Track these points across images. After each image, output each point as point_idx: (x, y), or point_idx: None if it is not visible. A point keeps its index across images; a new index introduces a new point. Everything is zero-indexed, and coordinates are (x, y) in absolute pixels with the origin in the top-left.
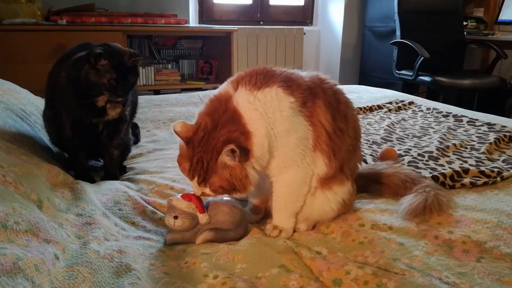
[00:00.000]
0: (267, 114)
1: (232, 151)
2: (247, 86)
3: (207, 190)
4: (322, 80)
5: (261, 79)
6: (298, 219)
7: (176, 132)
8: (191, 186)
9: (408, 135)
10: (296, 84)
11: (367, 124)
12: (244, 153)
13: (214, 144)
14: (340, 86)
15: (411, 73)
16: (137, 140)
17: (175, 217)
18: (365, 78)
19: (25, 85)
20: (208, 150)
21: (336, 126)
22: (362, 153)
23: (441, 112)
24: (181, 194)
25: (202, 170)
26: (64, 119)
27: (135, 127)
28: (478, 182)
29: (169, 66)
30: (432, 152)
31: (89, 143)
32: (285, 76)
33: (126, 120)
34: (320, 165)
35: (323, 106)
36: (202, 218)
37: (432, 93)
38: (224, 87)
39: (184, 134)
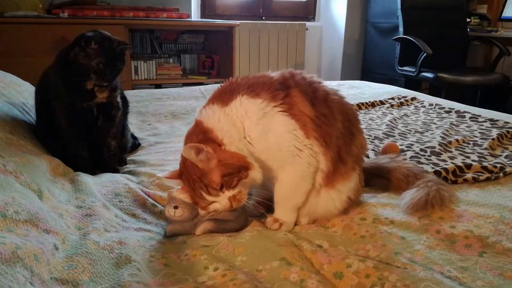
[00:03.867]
0: (236, 125)
1: (197, 149)
2: (218, 105)
3: (227, 193)
4: (293, 74)
5: (227, 95)
6: (300, 214)
7: (168, 179)
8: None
9: (411, 131)
10: (262, 85)
11: (369, 119)
12: (212, 145)
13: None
14: (318, 79)
15: (413, 70)
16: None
17: (175, 207)
18: (368, 74)
19: (27, 77)
20: (189, 168)
21: (318, 111)
22: None
23: (444, 108)
24: (181, 185)
25: (199, 182)
26: (58, 111)
27: (135, 138)
28: (480, 177)
29: (171, 60)
30: (434, 147)
31: (86, 134)
32: (249, 83)
33: (119, 107)
34: (320, 158)
35: (299, 94)
36: None
37: (434, 89)
38: (197, 115)
39: (175, 176)
